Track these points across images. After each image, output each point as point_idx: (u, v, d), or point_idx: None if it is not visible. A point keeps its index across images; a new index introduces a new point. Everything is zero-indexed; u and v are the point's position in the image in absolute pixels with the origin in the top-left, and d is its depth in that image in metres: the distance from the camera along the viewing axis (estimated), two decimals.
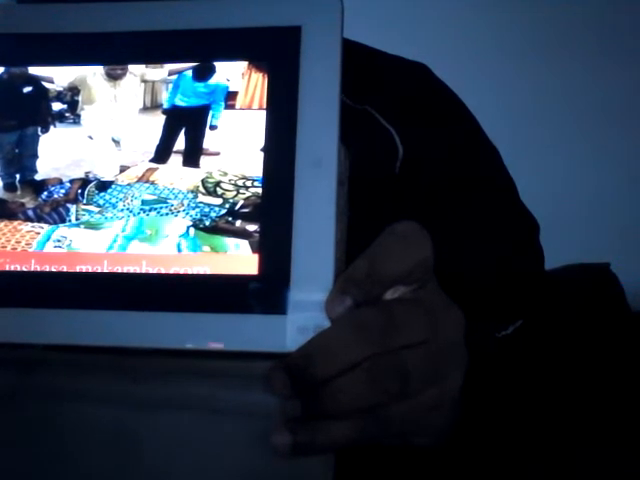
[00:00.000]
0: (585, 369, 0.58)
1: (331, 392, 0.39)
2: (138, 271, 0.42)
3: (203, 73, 0.45)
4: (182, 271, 0.42)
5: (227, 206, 0.43)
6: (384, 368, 0.40)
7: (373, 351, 0.40)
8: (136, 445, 0.43)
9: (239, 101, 0.44)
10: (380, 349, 0.40)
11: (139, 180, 0.44)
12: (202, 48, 0.45)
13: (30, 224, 0.44)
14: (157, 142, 0.45)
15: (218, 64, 0.45)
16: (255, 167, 0.43)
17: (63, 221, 0.44)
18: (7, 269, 0.43)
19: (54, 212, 0.44)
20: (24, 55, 0.46)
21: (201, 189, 0.43)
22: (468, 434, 0.48)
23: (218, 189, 0.43)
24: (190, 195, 0.44)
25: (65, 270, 0.43)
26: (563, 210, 1.34)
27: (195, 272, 0.42)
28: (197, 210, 0.43)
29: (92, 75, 0.45)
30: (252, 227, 0.42)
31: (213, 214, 0.43)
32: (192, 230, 0.43)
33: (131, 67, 0.45)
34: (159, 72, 0.45)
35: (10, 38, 0.47)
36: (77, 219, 0.44)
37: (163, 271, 0.42)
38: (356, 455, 0.46)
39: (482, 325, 0.53)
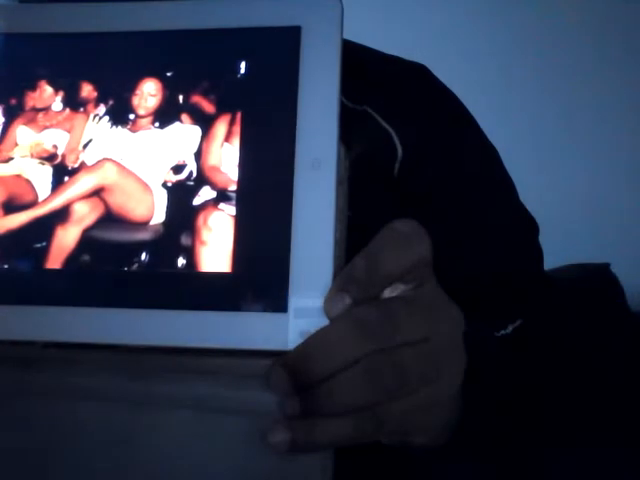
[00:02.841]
0: (585, 369, 0.58)
1: (329, 389, 0.39)
2: (139, 267, 0.43)
3: None
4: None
5: None
6: (382, 366, 0.40)
7: (371, 349, 0.40)
8: (135, 443, 0.43)
9: None
10: (378, 347, 0.40)
11: None
12: (201, 48, 0.45)
13: None
14: None
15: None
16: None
17: None
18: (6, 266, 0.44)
19: None
20: (26, 55, 0.47)
21: None
22: (467, 433, 0.48)
23: None
24: None
25: (64, 267, 0.43)
26: (563, 210, 1.34)
27: (195, 269, 0.42)
28: None
29: None
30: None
31: None
32: None
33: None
34: None
35: (12, 38, 0.47)
36: None
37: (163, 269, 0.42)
38: (355, 455, 0.46)
39: (482, 324, 0.53)
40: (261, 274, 0.42)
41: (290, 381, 0.39)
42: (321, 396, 0.40)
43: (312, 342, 0.40)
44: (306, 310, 0.40)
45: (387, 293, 0.42)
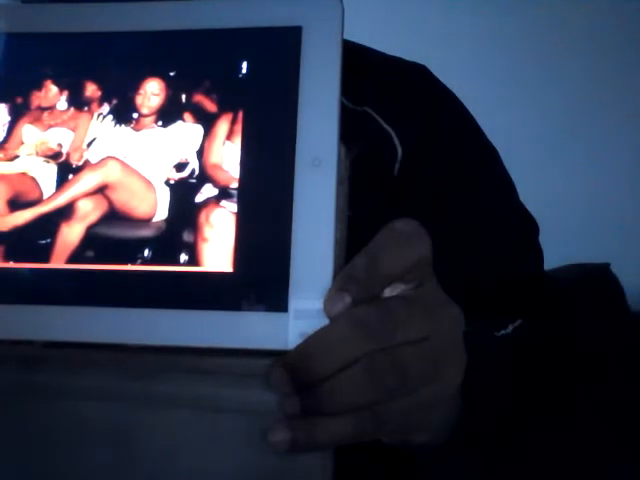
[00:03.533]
0: (585, 369, 0.58)
1: (329, 389, 0.39)
2: (140, 267, 0.43)
3: None
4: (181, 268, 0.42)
5: None
6: (382, 365, 0.40)
7: (372, 348, 0.40)
8: (135, 443, 0.43)
9: None
10: (379, 346, 0.40)
11: None
12: (203, 48, 0.45)
13: None
14: None
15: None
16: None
17: None
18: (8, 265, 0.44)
19: None
20: (32, 54, 0.47)
21: None
22: (467, 433, 0.48)
23: None
24: None
25: (64, 266, 0.43)
26: (563, 210, 1.34)
27: (195, 270, 0.42)
28: None
29: None
30: None
31: None
32: None
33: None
34: None
35: (18, 38, 0.47)
36: None
37: (163, 268, 0.43)
38: (355, 454, 0.46)
39: (482, 324, 0.53)
40: (261, 273, 0.42)
41: (290, 380, 0.39)
42: (321, 395, 0.40)
43: (312, 341, 0.40)
44: (306, 310, 0.41)
45: (387, 293, 0.42)
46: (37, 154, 0.46)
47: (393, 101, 0.65)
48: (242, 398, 0.42)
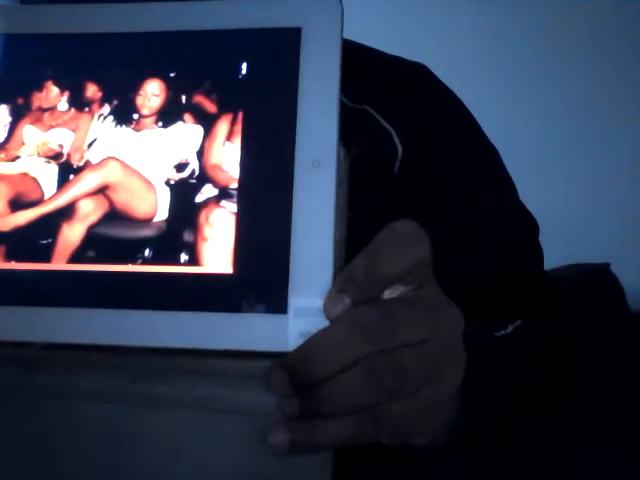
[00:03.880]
0: (585, 369, 0.58)
1: (329, 390, 0.39)
2: (140, 267, 0.43)
3: None
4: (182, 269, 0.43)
5: None
6: (382, 367, 0.40)
7: (371, 350, 0.40)
8: (135, 444, 0.43)
9: None
10: (378, 348, 0.40)
11: None
12: (203, 49, 0.45)
13: None
14: None
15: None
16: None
17: None
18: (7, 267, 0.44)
19: None
20: (33, 55, 0.47)
21: None
22: (467, 433, 0.48)
23: None
24: None
25: (64, 268, 0.43)
26: (563, 210, 1.34)
27: (194, 271, 0.42)
28: None
29: None
30: None
31: None
32: None
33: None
34: None
35: (19, 39, 0.47)
36: None
37: (163, 270, 0.43)
38: (355, 455, 0.46)
39: (482, 324, 0.53)
40: (261, 274, 0.42)
41: (290, 382, 0.39)
42: (321, 397, 0.39)
43: (312, 343, 0.40)
44: (306, 311, 0.41)
45: (387, 294, 0.42)
46: (38, 155, 0.46)
47: (393, 100, 0.65)
48: (242, 399, 0.42)
